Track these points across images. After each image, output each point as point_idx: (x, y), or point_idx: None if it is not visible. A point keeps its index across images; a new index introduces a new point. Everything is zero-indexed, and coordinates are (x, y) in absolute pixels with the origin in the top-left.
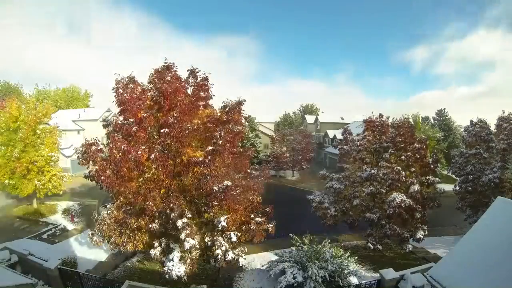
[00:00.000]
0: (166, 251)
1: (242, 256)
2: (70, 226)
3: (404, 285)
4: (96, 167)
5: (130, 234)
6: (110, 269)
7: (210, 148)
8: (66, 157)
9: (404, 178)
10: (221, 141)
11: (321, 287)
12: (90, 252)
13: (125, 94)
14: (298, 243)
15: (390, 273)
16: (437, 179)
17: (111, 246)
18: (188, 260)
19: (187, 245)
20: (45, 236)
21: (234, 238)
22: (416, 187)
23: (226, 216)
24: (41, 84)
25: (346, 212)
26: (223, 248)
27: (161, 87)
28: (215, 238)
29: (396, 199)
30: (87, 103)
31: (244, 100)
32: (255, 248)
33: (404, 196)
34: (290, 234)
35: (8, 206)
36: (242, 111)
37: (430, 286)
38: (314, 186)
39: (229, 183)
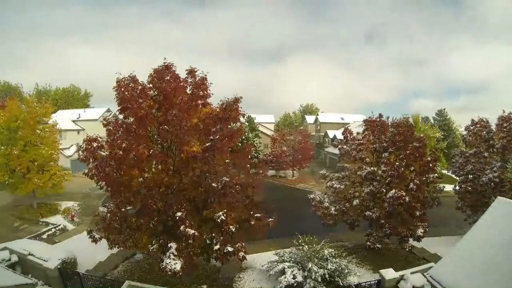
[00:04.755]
0: (165, 248)
1: (242, 251)
2: (70, 226)
3: (404, 285)
4: (96, 163)
5: (130, 233)
6: (110, 269)
7: (208, 144)
8: (66, 157)
9: (403, 175)
10: (218, 136)
11: (321, 287)
12: (90, 252)
13: (126, 93)
14: (298, 242)
15: (390, 273)
16: (436, 175)
17: (111, 245)
18: (184, 255)
19: (186, 234)
20: (45, 236)
21: (233, 229)
22: (416, 181)
23: (225, 210)
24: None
25: (346, 212)
26: (222, 242)
27: (161, 86)
28: (213, 234)
29: (396, 194)
30: (87, 103)
31: (241, 97)
32: (255, 248)
33: (403, 192)
34: (296, 233)
35: (8, 206)
36: (239, 108)
37: (430, 286)
38: (314, 186)
39: (227, 179)
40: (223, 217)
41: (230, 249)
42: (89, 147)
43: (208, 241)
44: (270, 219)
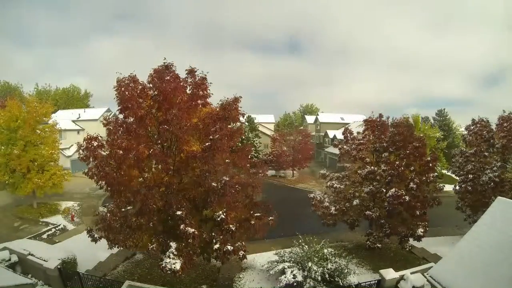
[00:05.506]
0: (165, 248)
1: (242, 250)
2: (70, 226)
3: (404, 285)
4: (96, 162)
5: (130, 232)
6: (110, 269)
7: (207, 144)
8: (66, 157)
9: (403, 174)
10: (218, 135)
11: (321, 286)
12: (90, 252)
13: (126, 92)
14: (298, 242)
15: (390, 273)
16: (436, 174)
17: (111, 244)
18: (184, 254)
19: (186, 233)
20: (45, 236)
21: (233, 228)
22: (416, 181)
23: (225, 210)
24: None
25: (346, 212)
26: (222, 241)
27: (161, 86)
28: (213, 234)
29: (395, 193)
30: (87, 103)
31: (240, 97)
32: (255, 248)
33: (403, 191)
34: (296, 233)
35: (8, 206)
36: (239, 108)
37: (430, 286)
38: (314, 186)
39: (227, 179)
40: (223, 216)
41: (230, 248)
42: (89, 145)
43: (208, 240)
44: (270, 218)
